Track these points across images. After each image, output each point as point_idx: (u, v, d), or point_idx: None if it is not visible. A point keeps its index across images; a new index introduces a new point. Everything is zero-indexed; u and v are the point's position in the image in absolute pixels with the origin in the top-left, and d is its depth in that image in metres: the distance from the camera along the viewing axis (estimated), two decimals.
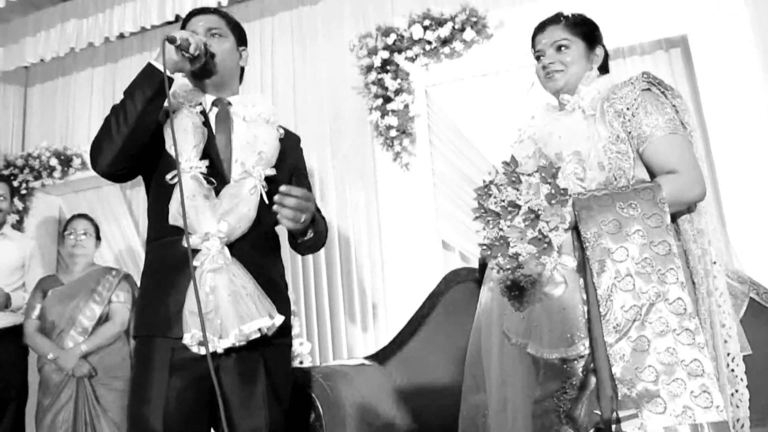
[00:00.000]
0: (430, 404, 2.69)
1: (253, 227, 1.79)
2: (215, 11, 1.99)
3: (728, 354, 1.70)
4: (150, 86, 1.70)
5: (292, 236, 1.87)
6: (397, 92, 3.53)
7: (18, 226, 4.74)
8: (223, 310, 1.65)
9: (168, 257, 1.73)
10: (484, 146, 3.60)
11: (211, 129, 1.88)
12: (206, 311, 1.62)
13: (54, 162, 4.68)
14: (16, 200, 4.66)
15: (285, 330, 1.80)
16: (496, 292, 1.85)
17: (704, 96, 3.28)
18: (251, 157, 1.82)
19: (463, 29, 3.44)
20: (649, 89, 1.75)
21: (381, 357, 2.81)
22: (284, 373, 1.83)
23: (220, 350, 1.66)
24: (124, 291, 3.46)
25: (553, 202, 1.48)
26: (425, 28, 3.51)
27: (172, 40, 1.69)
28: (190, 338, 1.63)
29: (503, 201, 1.49)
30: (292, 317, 3.53)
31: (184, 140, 1.76)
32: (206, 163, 1.77)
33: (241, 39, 2.01)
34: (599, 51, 1.92)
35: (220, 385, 1.65)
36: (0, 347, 3.45)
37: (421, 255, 3.62)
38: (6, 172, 4.83)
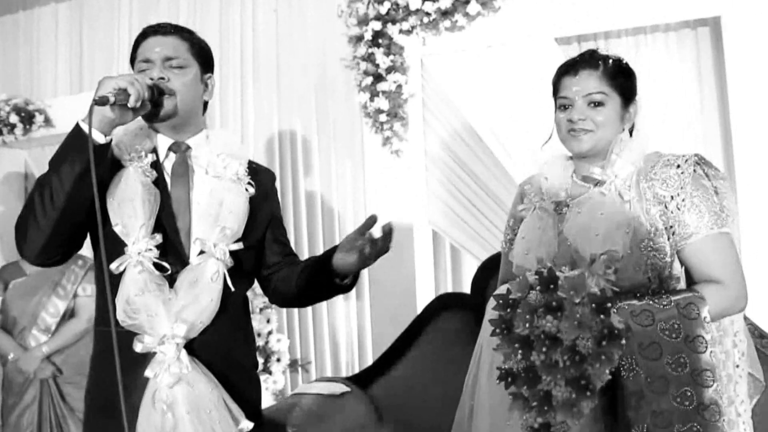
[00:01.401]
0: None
1: (218, 314, 1.50)
2: (175, 31, 1.59)
3: None
4: (80, 158, 1.34)
5: (327, 275, 1.58)
6: (389, 70, 3.12)
7: None
8: (182, 430, 1.40)
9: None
10: (482, 128, 3.25)
11: (166, 186, 1.55)
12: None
13: (14, 119, 4.31)
14: None
15: (254, 418, 1.55)
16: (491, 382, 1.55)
17: (732, 82, 2.97)
18: (213, 232, 1.50)
19: (467, 1, 3.00)
20: (694, 170, 1.49)
21: (364, 379, 2.61)
22: None
23: None
24: (91, 283, 3.17)
25: (603, 343, 1.22)
26: None
27: (102, 102, 1.32)
28: None
29: (537, 328, 1.22)
30: (269, 310, 3.37)
31: (131, 215, 1.44)
32: (159, 240, 1.46)
33: (206, 65, 1.63)
34: (633, 108, 1.59)
35: None
36: None
37: (409, 240, 3.35)
38: None
